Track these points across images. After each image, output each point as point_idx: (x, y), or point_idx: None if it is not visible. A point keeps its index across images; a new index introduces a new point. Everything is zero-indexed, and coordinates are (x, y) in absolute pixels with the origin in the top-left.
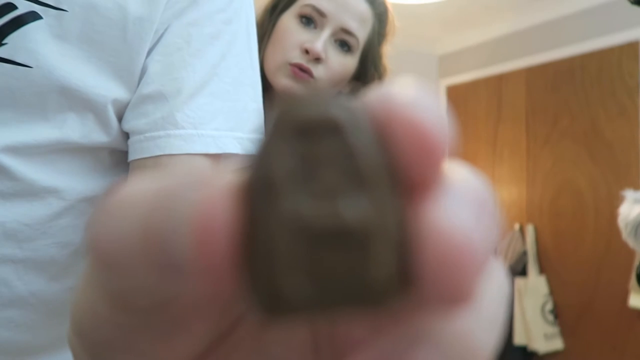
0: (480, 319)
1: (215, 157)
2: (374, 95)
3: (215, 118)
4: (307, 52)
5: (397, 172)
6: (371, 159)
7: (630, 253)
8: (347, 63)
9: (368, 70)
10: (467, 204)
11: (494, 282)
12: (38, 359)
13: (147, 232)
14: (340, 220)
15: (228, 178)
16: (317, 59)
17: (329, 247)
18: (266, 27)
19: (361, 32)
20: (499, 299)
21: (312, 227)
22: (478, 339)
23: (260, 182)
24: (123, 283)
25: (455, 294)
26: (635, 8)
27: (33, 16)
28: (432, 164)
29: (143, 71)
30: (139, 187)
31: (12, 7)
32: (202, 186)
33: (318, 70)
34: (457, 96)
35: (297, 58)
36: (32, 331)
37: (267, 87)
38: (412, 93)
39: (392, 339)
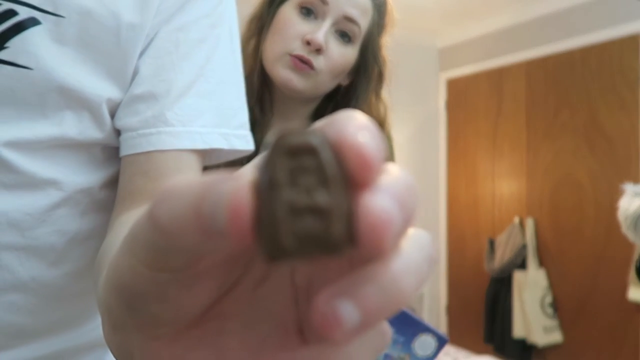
0: (404, 266)
1: (203, 152)
2: (334, 128)
3: (202, 116)
4: (308, 43)
5: (347, 177)
6: (332, 169)
7: (630, 246)
8: (348, 54)
9: (368, 61)
10: (387, 195)
11: (415, 242)
12: (39, 342)
13: (198, 207)
14: (313, 203)
15: (248, 176)
16: (318, 50)
17: (307, 219)
18: (265, 19)
19: (362, 21)
20: (419, 254)
21: (297, 207)
22: (404, 279)
23: (266, 181)
24: (173, 244)
25: (376, 247)
26: (635, 1)
27: (33, 21)
28: (367, 173)
29: (135, 72)
30: (188, 180)
31: (13, 13)
32: (233, 181)
33: (319, 61)
34: (458, 89)
35: (298, 49)
36: (33, 315)
37: (266, 78)
38: (355, 126)
39: (347, 280)
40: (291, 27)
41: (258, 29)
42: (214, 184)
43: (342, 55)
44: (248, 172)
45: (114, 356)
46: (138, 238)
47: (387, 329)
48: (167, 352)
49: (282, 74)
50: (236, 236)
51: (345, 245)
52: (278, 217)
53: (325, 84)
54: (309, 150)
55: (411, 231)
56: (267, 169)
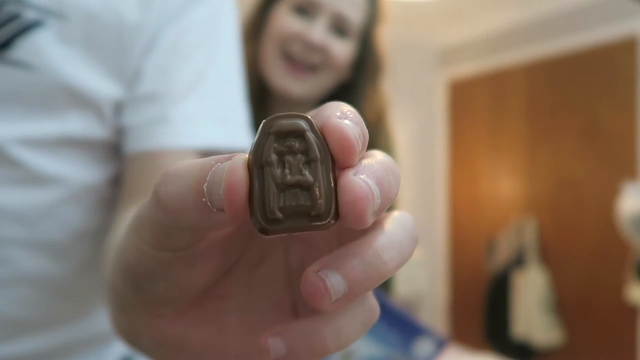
0: (387, 242)
1: (203, 151)
2: (320, 114)
3: (204, 115)
4: (304, 42)
5: (331, 158)
6: (317, 151)
7: (630, 246)
8: (345, 49)
9: (365, 55)
10: (366, 174)
11: (398, 222)
12: (42, 335)
13: (198, 185)
14: (300, 180)
15: (243, 157)
16: (315, 48)
17: (294, 194)
18: (260, 21)
19: (356, 17)
20: (402, 232)
21: (285, 183)
22: (386, 253)
23: (258, 160)
24: (176, 221)
25: (358, 220)
26: (634, 2)
27: (39, 23)
28: (348, 155)
29: (137, 72)
30: (188, 162)
31: (20, 15)
32: (229, 161)
33: (316, 59)
34: (458, 89)
35: (295, 49)
36: (38, 308)
37: (263, 81)
38: (339, 113)
39: (334, 254)
40: (286, 27)
41: (253, 33)
42: (212, 164)
43: (340, 51)
44: (242, 154)
45: (121, 339)
46: (143, 219)
47: (375, 305)
48: (171, 330)
49: (279, 82)
50: (233, 211)
51: (330, 218)
52: (269, 192)
53: (325, 83)
54: (297, 133)
55: (395, 213)
56: (259, 150)
